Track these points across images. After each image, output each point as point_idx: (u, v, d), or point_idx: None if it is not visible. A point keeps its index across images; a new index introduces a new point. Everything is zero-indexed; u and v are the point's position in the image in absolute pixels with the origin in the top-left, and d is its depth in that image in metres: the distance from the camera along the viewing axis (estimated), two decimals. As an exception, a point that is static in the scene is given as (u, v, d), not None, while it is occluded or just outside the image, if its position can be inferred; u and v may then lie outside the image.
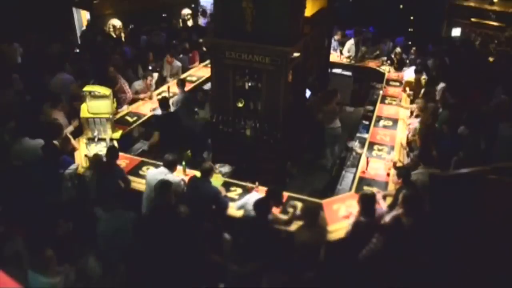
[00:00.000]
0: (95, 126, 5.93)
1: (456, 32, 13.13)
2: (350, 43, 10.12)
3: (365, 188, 5.11)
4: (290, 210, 4.59)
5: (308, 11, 6.68)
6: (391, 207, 4.56)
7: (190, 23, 12.62)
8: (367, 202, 4.11)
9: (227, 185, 5.16)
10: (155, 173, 4.83)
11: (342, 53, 10.18)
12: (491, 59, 9.85)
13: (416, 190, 4.66)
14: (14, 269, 3.46)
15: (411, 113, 7.02)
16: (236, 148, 6.21)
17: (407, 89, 7.94)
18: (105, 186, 4.82)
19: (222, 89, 6.11)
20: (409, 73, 8.40)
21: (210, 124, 6.42)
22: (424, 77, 7.82)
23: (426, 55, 9.67)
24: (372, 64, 9.89)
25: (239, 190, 5.09)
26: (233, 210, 4.65)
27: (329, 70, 9.44)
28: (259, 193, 4.90)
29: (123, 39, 10.64)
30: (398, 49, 9.76)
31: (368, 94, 9.08)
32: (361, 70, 9.79)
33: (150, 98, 7.32)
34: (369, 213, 4.08)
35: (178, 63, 8.48)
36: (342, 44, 10.51)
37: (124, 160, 5.48)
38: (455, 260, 4.27)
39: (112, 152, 5.07)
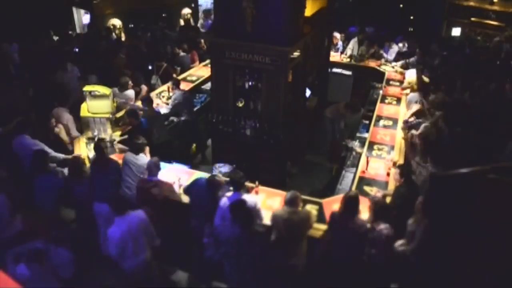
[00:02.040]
0: (95, 126, 5.93)
1: (456, 32, 13.12)
2: (354, 41, 10.17)
3: (365, 188, 5.12)
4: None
5: (308, 11, 6.67)
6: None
7: (190, 23, 12.62)
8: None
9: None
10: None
11: (344, 52, 10.23)
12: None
13: (416, 189, 4.68)
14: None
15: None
16: (236, 148, 6.21)
17: (408, 90, 7.92)
18: (99, 183, 4.82)
19: (222, 89, 6.11)
20: (411, 73, 8.40)
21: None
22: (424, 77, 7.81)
23: (430, 55, 9.68)
24: (372, 64, 9.89)
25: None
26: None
27: (329, 70, 9.44)
28: (258, 193, 4.92)
29: (123, 38, 10.64)
30: (399, 45, 9.81)
31: (368, 94, 9.07)
32: (361, 70, 9.79)
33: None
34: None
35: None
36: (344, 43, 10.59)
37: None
38: (455, 260, 4.26)
39: (99, 149, 5.01)
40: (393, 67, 9.50)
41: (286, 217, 4.13)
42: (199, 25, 12.30)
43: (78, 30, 11.56)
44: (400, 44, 10.19)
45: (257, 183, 4.99)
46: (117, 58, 8.14)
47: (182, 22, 12.43)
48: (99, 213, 4.83)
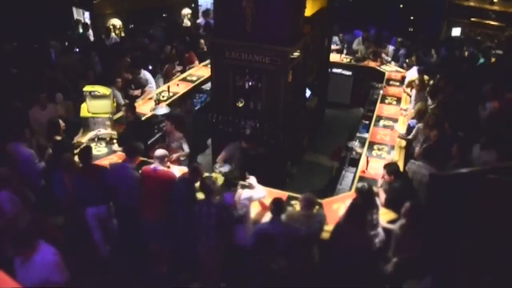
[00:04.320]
0: (95, 126, 5.93)
1: (456, 32, 13.11)
2: (359, 40, 10.23)
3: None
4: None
5: (308, 11, 6.68)
6: (385, 204, 4.63)
7: (189, 23, 12.62)
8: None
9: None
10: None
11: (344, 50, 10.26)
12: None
13: (409, 183, 4.70)
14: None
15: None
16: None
17: (408, 89, 7.93)
18: (81, 188, 4.76)
19: (222, 89, 6.11)
20: (412, 73, 8.40)
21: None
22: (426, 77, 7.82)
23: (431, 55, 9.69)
24: (372, 64, 9.89)
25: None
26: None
27: (329, 70, 9.45)
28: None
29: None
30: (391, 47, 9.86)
31: (368, 94, 9.08)
32: (361, 70, 9.80)
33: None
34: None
35: (146, 74, 7.68)
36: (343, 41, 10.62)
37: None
38: (455, 260, 4.26)
39: (83, 154, 4.85)
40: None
41: (303, 219, 4.12)
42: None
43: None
44: (392, 47, 10.23)
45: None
46: (121, 59, 8.10)
47: (188, 23, 12.42)
48: (92, 216, 4.86)
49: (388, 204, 4.63)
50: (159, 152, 4.76)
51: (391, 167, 4.78)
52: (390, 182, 4.73)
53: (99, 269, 4.99)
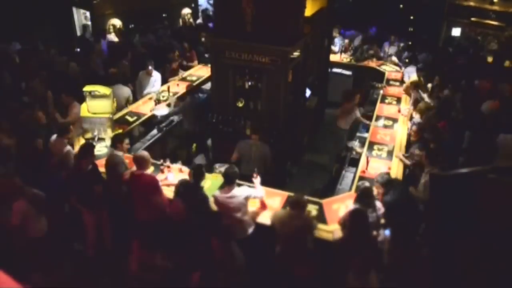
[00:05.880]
0: (95, 126, 5.93)
1: (456, 32, 13.12)
2: (359, 39, 10.27)
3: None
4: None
5: (308, 11, 6.67)
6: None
7: (189, 23, 12.65)
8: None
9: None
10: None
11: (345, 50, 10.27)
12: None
13: (400, 186, 4.68)
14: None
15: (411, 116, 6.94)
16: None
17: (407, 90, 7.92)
18: (74, 186, 4.76)
19: (222, 89, 6.11)
20: (409, 72, 8.41)
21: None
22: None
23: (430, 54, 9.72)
24: (372, 64, 9.89)
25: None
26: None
27: (329, 70, 9.44)
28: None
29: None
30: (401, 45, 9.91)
31: (368, 94, 9.07)
32: (361, 70, 9.79)
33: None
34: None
35: (157, 75, 7.73)
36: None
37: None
38: (455, 260, 4.26)
39: (82, 151, 4.76)
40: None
41: (285, 219, 4.11)
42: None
43: (78, 31, 11.56)
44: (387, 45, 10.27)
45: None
46: (120, 64, 8.08)
47: (180, 23, 12.45)
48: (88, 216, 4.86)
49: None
50: (141, 155, 4.73)
51: (381, 178, 4.53)
52: (382, 195, 4.49)
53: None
